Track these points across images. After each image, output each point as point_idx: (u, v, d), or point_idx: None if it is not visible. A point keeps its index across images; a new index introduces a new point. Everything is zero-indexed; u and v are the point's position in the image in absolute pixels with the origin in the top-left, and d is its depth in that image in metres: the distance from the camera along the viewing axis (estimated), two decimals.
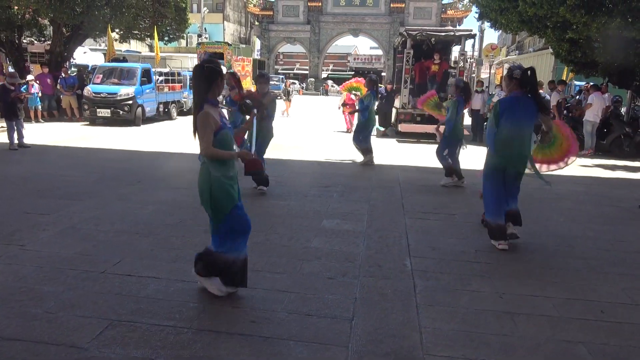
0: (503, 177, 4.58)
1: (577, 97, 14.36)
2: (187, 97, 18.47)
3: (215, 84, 3.11)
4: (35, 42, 19.07)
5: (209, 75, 3.09)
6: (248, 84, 30.66)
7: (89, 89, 14.25)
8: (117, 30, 18.35)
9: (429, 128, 12.72)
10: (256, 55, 46.05)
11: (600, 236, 5.13)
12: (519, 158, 4.54)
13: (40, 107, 14.50)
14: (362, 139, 8.90)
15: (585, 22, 10.05)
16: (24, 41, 18.17)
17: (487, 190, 4.65)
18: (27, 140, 9.69)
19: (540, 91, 11.77)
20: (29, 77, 14.43)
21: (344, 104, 14.35)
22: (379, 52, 50.49)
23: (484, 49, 30.02)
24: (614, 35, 10.21)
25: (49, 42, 17.85)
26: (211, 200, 3.16)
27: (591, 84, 12.92)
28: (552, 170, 4.91)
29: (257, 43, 49.18)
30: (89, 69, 18.06)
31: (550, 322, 3.21)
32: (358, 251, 4.39)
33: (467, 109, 13.55)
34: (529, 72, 4.44)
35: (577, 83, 17.39)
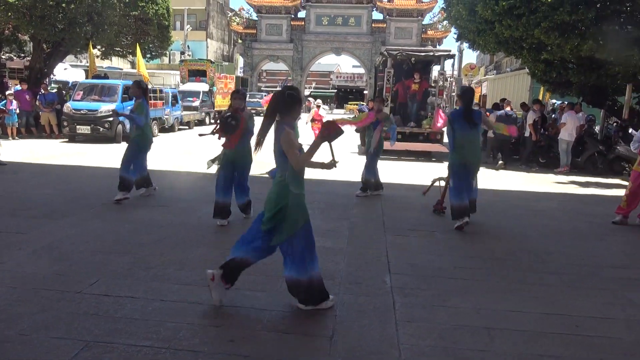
0: (465, 172, 5.93)
1: (553, 115, 14.76)
2: (169, 114, 18.43)
3: (294, 109, 3.35)
4: (15, 58, 18.91)
5: (289, 101, 3.32)
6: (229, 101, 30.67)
7: (68, 106, 14.10)
8: (98, 47, 18.30)
9: (410, 146, 12.94)
10: (239, 72, 46.28)
11: (574, 252, 5.25)
12: (471, 153, 5.92)
13: (17, 123, 14.28)
14: None
15: (559, 44, 10.40)
16: (3, 57, 17.98)
17: (453, 182, 6.00)
18: (3, 157, 9.52)
19: (507, 109, 12.22)
20: (8, 92, 14.23)
21: (312, 120, 15.38)
22: (361, 70, 51.16)
23: (463, 68, 30.67)
24: (586, 56, 10.59)
25: (28, 59, 17.69)
26: (287, 215, 3.31)
27: (565, 103, 13.33)
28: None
29: (240, 61, 49.40)
30: (70, 85, 17.91)
31: (525, 336, 3.26)
32: (338, 268, 4.41)
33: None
34: (466, 90, 6.27)
35: (556, 102, 17.86)
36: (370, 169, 7.81)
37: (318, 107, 15.25)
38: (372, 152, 7.75)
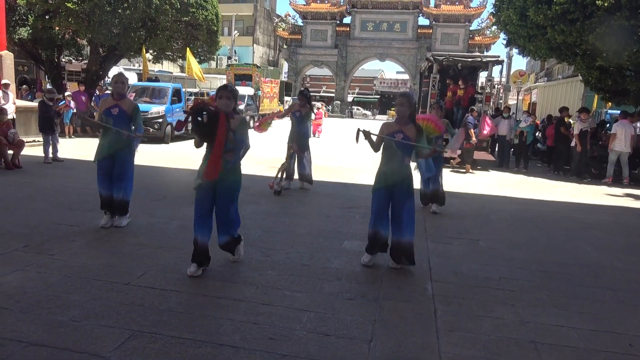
0: None
1: (607, 124, 14.05)
2: None
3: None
4: (73, 61, 19.96)
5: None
6: (275, 105, 31.17)
7: None
8: (150, 51, 19.03)
9: (455, 153, 12.66)
10: (284, 77, 46.90)
11: (630, 267, 4.97)
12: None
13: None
14: None
15: (616, 50, 9.94)
16: (63, 60, 19.02)
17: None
18: (60, 154, 10.05)
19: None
20: (67, 93, 15.03)
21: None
22: (406, 76, 50.73)
23: (512, 75, 29.80)
24: None
25: (85, 61, 18.63)
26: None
27: (618, 112, 12.67)
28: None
29: (285, 65, 50.12)
30: None
31: (575, 353, 3.11)
32: (379, 273, 4.37)
33: (494, 133, 13.52)
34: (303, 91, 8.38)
35: (611, 111, 16.94)
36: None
37: (318, 108, 20.11)
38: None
